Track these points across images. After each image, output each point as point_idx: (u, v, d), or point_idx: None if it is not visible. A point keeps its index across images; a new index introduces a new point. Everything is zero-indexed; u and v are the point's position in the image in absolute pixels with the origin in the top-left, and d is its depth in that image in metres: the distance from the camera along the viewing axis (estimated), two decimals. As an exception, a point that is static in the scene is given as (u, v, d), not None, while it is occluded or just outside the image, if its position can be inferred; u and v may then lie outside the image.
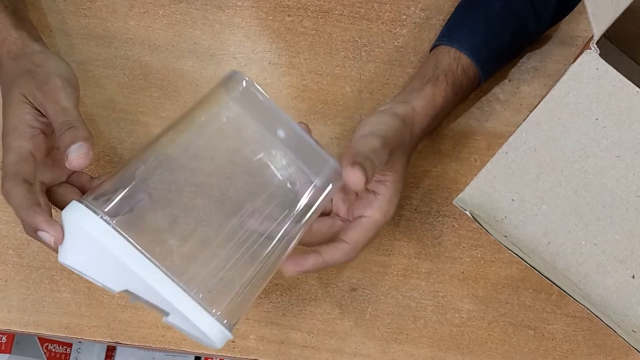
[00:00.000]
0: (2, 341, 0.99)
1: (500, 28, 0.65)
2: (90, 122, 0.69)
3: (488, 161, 0.51)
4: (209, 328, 0.49)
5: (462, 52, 0.64)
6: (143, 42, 0.71)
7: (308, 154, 0.53)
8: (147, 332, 0.65)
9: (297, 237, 0.53)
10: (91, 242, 0.48)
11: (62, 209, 0.56)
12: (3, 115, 0.57)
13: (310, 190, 0.53)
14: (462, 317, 0.66)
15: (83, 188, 0.58)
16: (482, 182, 0.51)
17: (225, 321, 0.49)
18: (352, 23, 0.72)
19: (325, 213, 0.60)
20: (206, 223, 0.52)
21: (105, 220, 0.48)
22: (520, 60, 0.71)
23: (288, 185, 0.53)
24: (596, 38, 0.48)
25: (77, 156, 0.52)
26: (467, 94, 0.67)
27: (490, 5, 0.66)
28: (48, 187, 0.58)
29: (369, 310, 0.66)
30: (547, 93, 0.50)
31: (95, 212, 0.48)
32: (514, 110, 0.70)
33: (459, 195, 0.51)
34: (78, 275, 0.66)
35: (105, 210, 0.49)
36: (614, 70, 0.48)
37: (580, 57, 0.48)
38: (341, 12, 0.72)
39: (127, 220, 0.49)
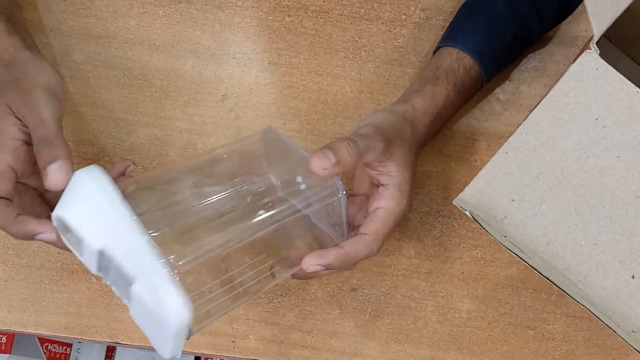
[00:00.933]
0: (2, 341, 0.99)
1: (503, 29, 0.65)
2: (90, 122, 0.69)
3: (488, 161, 0.51)
4: (174, 300, 0.46)
5: (465, 53, 0.64)
6: (143, 42, 0.71)
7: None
8: (147, 332, 0.65)
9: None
10: (88, 194, 0.48)
11: None
12: None
13: (300, 194, 0.55)
14: (462, 317, 0.66)
15: None
16: (482, 182, 0.51)
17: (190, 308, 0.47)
18: (352, 23, 0.72)
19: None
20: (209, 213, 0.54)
21: (105, 174, 0.48)
22: (521, 61, 0.71)
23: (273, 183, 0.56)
24: (596, 38, 0.48)
25: (55, 178, 0.51)
26: (471, 94, 0.67)
27: (493, 6, 0.66)
28: (41, 193, 0.57)
29: (369, 310, 0.66)
30: (547, 93, 0.50)
31: (102, 171, 0.48)
32: (514, 110, 0.70)
33: (459, 196, 0.51)
34: (78, 275, 0.66)
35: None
36: (614, 71, 0.48)
37: (580, 57, 0.48)
38: (341, 12, 0.72)
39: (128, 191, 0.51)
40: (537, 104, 0.50)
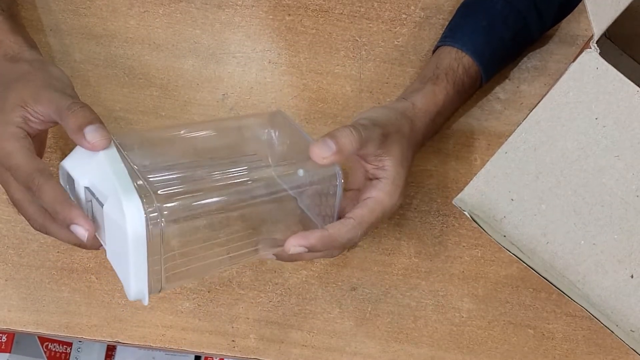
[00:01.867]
0: (2, 340, 0.99)
1: (503, 28, 0.65)
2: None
3: (488, 160, 0.50)
4: (131, 203, 0.48)
5: (464, 52, 0.64)
6: (143, 42, 0.71)
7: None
8: (147, 332, 0.65)
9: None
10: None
11: None
12: None
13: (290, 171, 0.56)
14: (462, 317, 0.66)
15: None
16: (481, 182, 0.51)
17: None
18: (352, 22, 0.72)
19: None
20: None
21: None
22: (521, 60, 0.71)
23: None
24: (596, 37, 0.47)
25: (99, 137, 0.51)
26: (470, 93, 0.67)
27: (492, 5, 0.66)
28: None
29: (369, 309, 0.66)
30: (547, 92, 0.50)
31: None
32: (514, 110, 0.70)
33: (458, 196, 0.51)
34: (78, 274, 0.66)
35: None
36: (614, 70, 0.48)
37: (580, 56, 0.48)
38: (341, 11, 0.72)
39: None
40: (537, 103, 0.50)
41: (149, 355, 1.14)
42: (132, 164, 0.50)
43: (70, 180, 0.53)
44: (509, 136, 0.50)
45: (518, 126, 0.50)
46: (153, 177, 0.51)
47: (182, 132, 0.59)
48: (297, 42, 0.71)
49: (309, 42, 0.71)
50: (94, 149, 0.51)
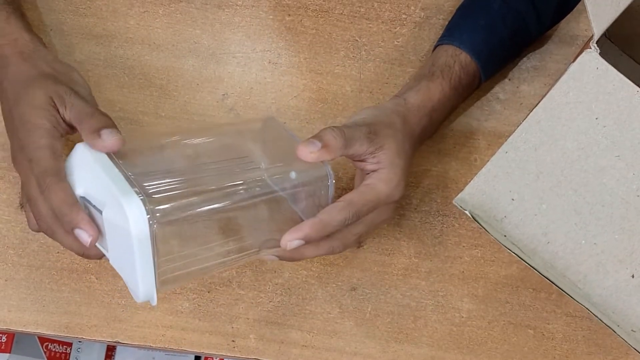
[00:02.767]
0: (2, 340, 0.99)
1: (501, 26, 0.65)
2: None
3: (488, 160, 0.51)
4: (133, 203, 0.48)
5: (462, 50, 0.64)
6: (143, 42, 0.71)
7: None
8: (147, 332, 0.65)
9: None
10: (81, 156, 0.53)
11: None
12: (20, 113, 0.56)
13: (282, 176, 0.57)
14: (462, 317, 0.66)
15: None
16: (482, 181, 0.51)
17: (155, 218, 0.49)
18: (352, 22, 0.72)
19: None
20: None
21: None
22: (521, 60, 0.71)
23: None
24: (596, 37, 0.47)
25: (114, 139, 0.52)
26: (469, 91, 0.67)
27: (490, 5, 0.66)
28: None
29: (369, 309, 0.66)
30: (547, 92, 0.50)
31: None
32: (514, 110, 0.70)
33: (459, 195, 0.51)
34: (78, 274, 0.66)
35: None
36: (614, 70, 0.48)
37: (580, 56, 0.48)
38: (341, 11, 0.72)
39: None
40: (537, 103, 0.50)
41: (149, 355, 1.14)
42: (125, 171, 0.51)
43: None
44: (509, 136, 0.50)
45: (518, 126, 0.50)
46: (146, 183, 0.51)
47: (174, 138, 0.59)
48: (297, 42, 0.71)
49: (309, 42, 0.71)
50: (105, 149, 0.52)
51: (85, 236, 0.51)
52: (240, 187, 0.55)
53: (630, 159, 0.48)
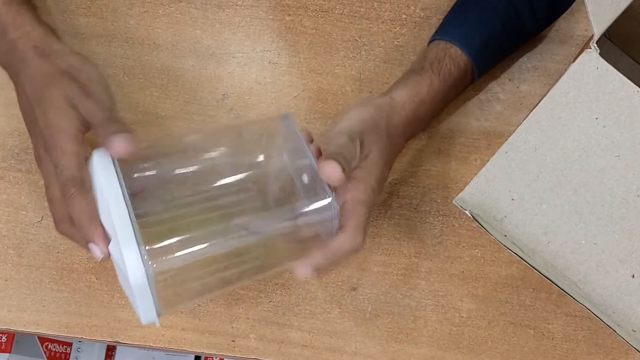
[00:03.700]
0: (2, 340, 0.99)
1: (493, 19, 0.65)
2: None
3: (488, 160, 0.51)
4: (132, 256, 0.48)
5: (452, 43, 0.64)
6: (143, 41, 0.71)
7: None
8: (147, 332, 0.65)
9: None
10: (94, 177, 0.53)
11: None
12: (43, 113, 0.56)
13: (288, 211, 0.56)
14: (462, 317, 0.66)
15: None
16: (482, 181, 0.51)
17: (152, 266, 0.49)
18: (352, 22, 0.72)
19: None
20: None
21: (113, 160, 0.52)
22: (521, 59, 0.71)
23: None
24: (596, 37, 0.48)
25: (125, 144, 0.52)
26: (461, 84, 0.66)
27: (482, 0, 0.66)
28: None
29: (369, 309, 0.66)
30: (547, 92, 0.50)
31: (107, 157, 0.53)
32: (514, 110, 0.70)
33: (459, 195, 0.51)
34: (78, 274, 0.66)
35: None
36: (614, 70, 0.48)
37: (581, 56, 0.48)
38: (341, 11, 0.72)
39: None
40: (537, 103, 0.50)
41: (149, 355, 1.14)
42: (130, 208, 0.50)
43: None
44: (509, 136, 0.50)
45: (518, 126, 0.50)
46: (149, 225, 0.51)
47: (188, 148, 0.59)
48: (297, 42, 0.71)
49: (309, 42, 0.71)
50: (115, 155, 0.52)
51: (97, 252, 0.51)
52: (245, 232, 0.55)
53: (630, 159, 0.49)
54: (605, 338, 0.66)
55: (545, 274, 0.49)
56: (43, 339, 1.05)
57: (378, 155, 0.57)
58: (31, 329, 0.65)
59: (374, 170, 0.57)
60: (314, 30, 0.72)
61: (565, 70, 0.49)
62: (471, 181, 0.51)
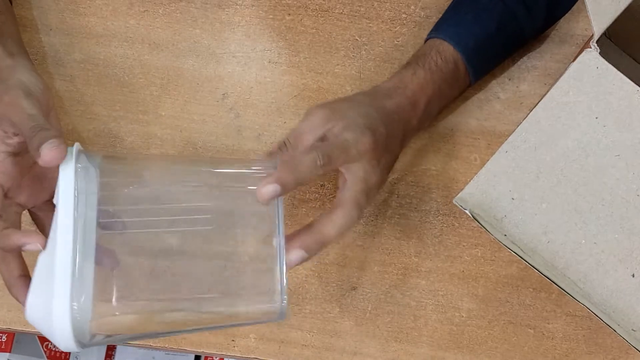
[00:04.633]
0: (3, 340, 0.99)
1: (488, 20, 0.65)
2: (90, 121, 0.69)
3: (488, 160, 0.51)
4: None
5: (443, 40, 0.64)
6: (143, 41, 0.71)
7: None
8: (147, 331, 0.65)
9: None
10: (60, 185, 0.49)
11: (44, 231, 0.56)
12: None
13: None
14: (462, 316, 0.66)
15: None
16: (482, 181, 0.51)
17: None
18: (352, 22, 0.72)
19: None
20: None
21: (77, 167, 0.49)
22: (520, 59, 0.71)
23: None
24: (596, 37, 0.48)
25: (49, 152, 0.48)
26: (452, 77, 0.65)
27: (478, 0, 0.66)
28: (30, 210, 0.57)
29: (369, 309, 0.66)
30: (547, 92, 0.50)
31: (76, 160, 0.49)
32: (514, 109, 0.70)
33: (459, 194, 0.51)
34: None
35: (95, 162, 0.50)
36: (614, 69, 0.48)
37: (581, 55, 0.48)
38: (341, 10, 0.72)
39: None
40: (538, 103, 0.50)
41: (149, 355, 1.14)
42: (79, 263, 0.47)
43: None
44: (509, 136, 0.50)
45: (518, 126, 0.50)
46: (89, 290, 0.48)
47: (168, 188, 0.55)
48: (297, 42, 0.71)
49: (309, 41, 0.71)
50: (46, 165, 0.49)
51: (33, 246, 0.49)
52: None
53: (630, 158, 0.49)
54: (605, 337, 0.66)
55: (545, 274, 0.49)
56: (43, 339, 1.05)
57: (372, 142, 0.56)
58: (31, 329, 0.65)
59: (371, 155, 0.56)
60: (314, 30, 0.72)
61: (565, 69, 0.49)
62: (471, 181, 0.51)
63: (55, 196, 0.49)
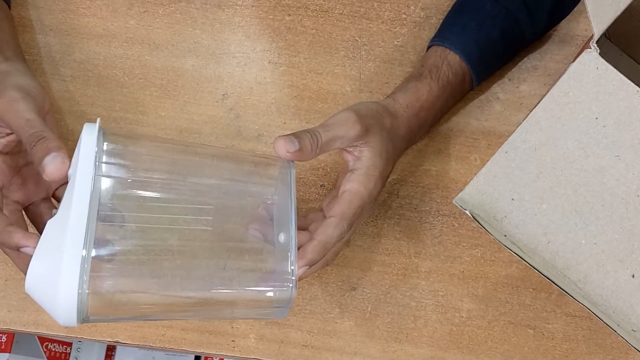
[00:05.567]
0: (2, 340, 0.99)
1: (491, 27, 0.65)
2: (91, 121, 0.69)
3: (488, 160, 0.51)
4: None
5: (450, 50, 0.65)
6: (143, 42, 0.71)
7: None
8: (147, 332, 0.65)
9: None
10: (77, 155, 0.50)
11: (40, 228, 0.56)
12: None
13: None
14: (462, 317, 0.66)
15: None
16: (482, 181, 0.51)
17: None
18: (352, 22, 0.72)
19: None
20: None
21: (97, 150, 0.50)
22: (521, 60, 0.71)
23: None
24: (596, 37, 0.48)
25: (53, 168, 0.49)
26: (459, 91, 0.67)
27: (482, 5, 0.66)
28: (26, 206, 0.57)
29: (369, 309, 0.66)
30: (547, 92, 0.50)
31: (99, 139, 0.51)
32: (514, 110, 0.70)
33: (459, 195, 0.51)
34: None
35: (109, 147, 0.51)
36: (614, 70, 0.48)
37: (580, 56, 0.48)
38: (341, 11, 0.72)
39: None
40: (537, 103, 0.50)
41: (149, 355, 1.14)
42: (88, 246, 0.47)
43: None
44: (509, 136, 0.50)
45: (518, 126, 0.50)
46: (99, 266, 0.49)
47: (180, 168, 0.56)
48: (297, 42, 0.71)
49: (309, 42, 0.71)
50: (50, 179, 0.50)
51: (30, 250, 0.50)
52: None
53: (630, 159, 0.48)
54: (605, 338, 0.66)
55: (545, 274, 0.49)
56: (43, 339, 1.05)
57: (378, 148, 0.57)
58: (31, 329, 0.65)
59: (377, 162, 0.57)
60: (314, 30, 0.72)
61: (565, 70, 0.49)
62: (471, 181, 0.51)
63: (71, 167, 0.50)
